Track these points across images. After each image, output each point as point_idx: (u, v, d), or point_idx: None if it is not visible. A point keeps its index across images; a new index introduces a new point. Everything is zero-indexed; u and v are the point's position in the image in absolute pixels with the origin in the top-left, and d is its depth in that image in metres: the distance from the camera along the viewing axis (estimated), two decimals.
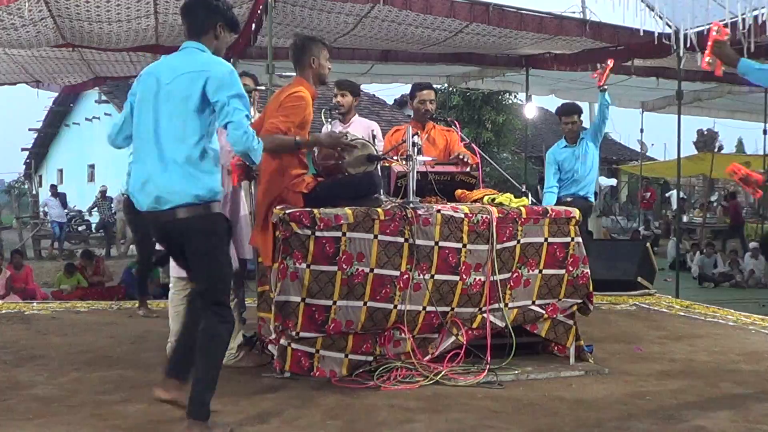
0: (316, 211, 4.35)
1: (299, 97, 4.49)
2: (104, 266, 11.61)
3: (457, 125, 5.63)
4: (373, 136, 5.51)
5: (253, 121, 5.00)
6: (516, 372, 4.45)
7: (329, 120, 5.81)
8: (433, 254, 4.49)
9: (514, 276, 4.66)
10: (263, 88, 5.88)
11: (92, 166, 24.55)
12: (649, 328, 6.17)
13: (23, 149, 28.69)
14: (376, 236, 4.41)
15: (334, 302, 4.34)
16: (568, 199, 6.72)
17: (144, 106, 3.58)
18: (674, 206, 20.81)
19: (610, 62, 6.78)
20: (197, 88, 3.45)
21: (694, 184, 28.89)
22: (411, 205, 4.52)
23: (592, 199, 7.14)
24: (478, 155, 5.35)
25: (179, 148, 3.43)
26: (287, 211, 4.34)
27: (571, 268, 4.75)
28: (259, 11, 8.20)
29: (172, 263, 4.89)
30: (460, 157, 5.18)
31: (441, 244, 4.50)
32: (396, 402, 3.96)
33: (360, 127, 5.73)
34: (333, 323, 4.35)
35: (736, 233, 17.77)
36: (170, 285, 4.95)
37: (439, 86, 13.59)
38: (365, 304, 4.39)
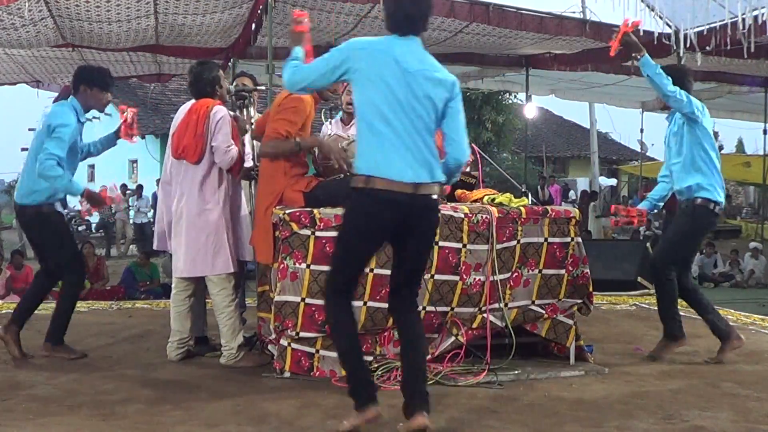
0: (316, 211, 4.35)
1: (298, 99, 4.49)
2: (105, 268, 11.57)
3: None
4: None
5: (254, 121, 5.02)
6: (516, 372, 4.45)
7: (329, 120, 5.81)
8: (432, 254, 4.49)
9: (514, 276, 4.66)
10: (263, 88, 5.88)
11: (92, 166, 24.56)
12: (649, 328, 6.16)
13: (23, 149, 28.65)
14: None
15: None
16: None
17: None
18: None
19: (624, 26, 4.83)
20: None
21: None
22: None
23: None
24: (478, 155, 5.36)
25: None
26: (287, 211, 4.34)
27: (571, 268, 4.75)
28: (259, 11, 8.21)
29: (174, 263, 4.91)
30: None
31: (441, 244, 4.50)
32: (396, 402, 3.95)
33: None
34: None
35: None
36: (172, 285, 4.95)
37: None
38: (365, 304, 4.39)
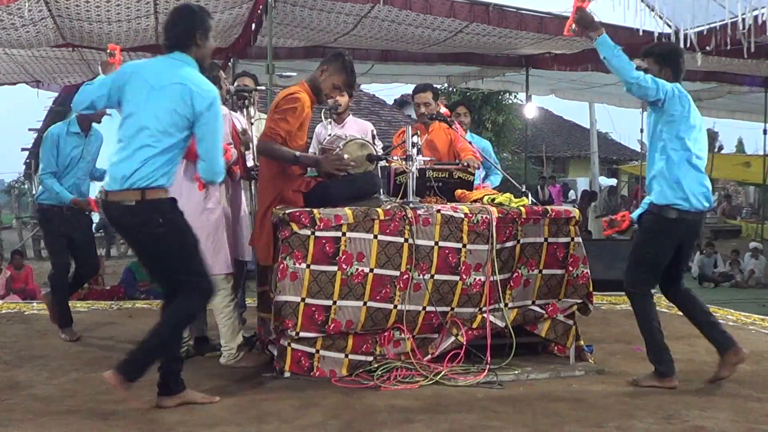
0: (315, 211, 4.35)
1: (296, 99, 4.49)
2: (102, 268, 11.55)
3: (458, 125, 5.64)
4: (373, 137, 5.50)
5: (254, 122, 5.02)
6: (516, 372, 4.45)
7: (328, 120, 5.81)
8: (432, 254, 4.49)
9: (514, 276, 4.66)
10: (263, 88, 5.88)
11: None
12: None
13: (23, 149, 28.62)
14: (375, 236, 4.41)
15: (334, 302, 4.34)
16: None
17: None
18: None
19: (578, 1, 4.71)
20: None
21: None
22: (411, 205, 4.53)
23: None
24: (478, 155, 5.37)
25: None
26: (287, 211, 4.34)
27: (571, 268, 4.75)
28: (259, 11, 8.20)
29: None
30: (464, 164, 5.21)
31: (441, 244, 4.50)
32: (396, 402, 3.96)
33: (355, 127, 5.73)
34: (333, 323, 4.35)
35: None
36: None
37: (439, 86, 13.57)
38: (365, 304, 4.40)
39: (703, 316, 4.53)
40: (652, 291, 4.58)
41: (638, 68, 4.31)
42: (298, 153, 4.49)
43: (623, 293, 7.90)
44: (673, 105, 4.25)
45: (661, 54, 4.45)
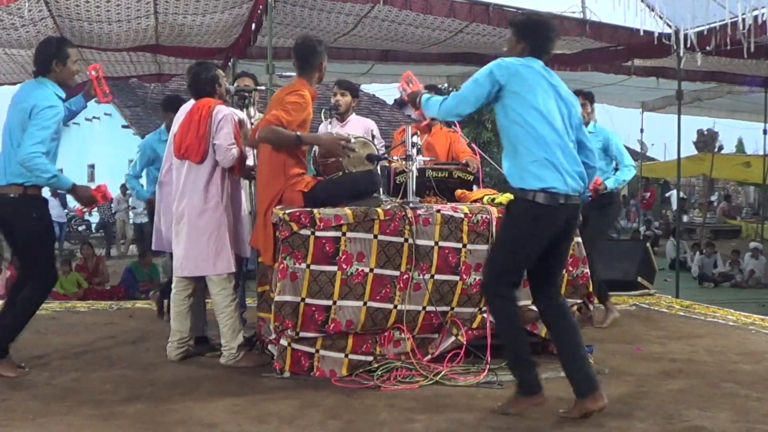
0: (315, 211, 4.35)
1: (301, 95, 4.52)
2: (104, 266, 11.59)
3: (458, 126, 5.64)
4: (373, 136, 5.51)
5: (254, 122, 5.02)
6: None
7: (329, 120, 5.82)
8: (433, 254, 4.49)
9: None
10: (263, 88, 5.88)
11: (92, 166, 24.55)
12: (649, 328, 6.16)
13: None
14: (375, 236, 4.41)
15: (334, 302, 4.34)
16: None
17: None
18: (674, 206, 20.82)
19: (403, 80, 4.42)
20: None
21: (694, 184, 28.93)
22: (411, 205, 4.53)
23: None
24: (478, 155, 5.37)
25: None
26: (287, 211, 4.34)
27: (570, 268, 4.75)
28: (259, 11, 8.19)
29: (174, 263, 4.91)
30: (464, 164, 5.21)
31: (441, 244, 4.50)
32: (396, 402, 3.96)
33: (357, 126, 5.74)
34: (333, 323, 4.35)
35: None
36: (172, 285, 4.95)
37: (438, 86, 13.56)
38: (365, 304, 4.40)
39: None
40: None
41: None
42: (299, 133, 4.48)
43: (623, 293, 7.99)
44: (513, 81, 3.70)
45: (520, 25, 3.89)
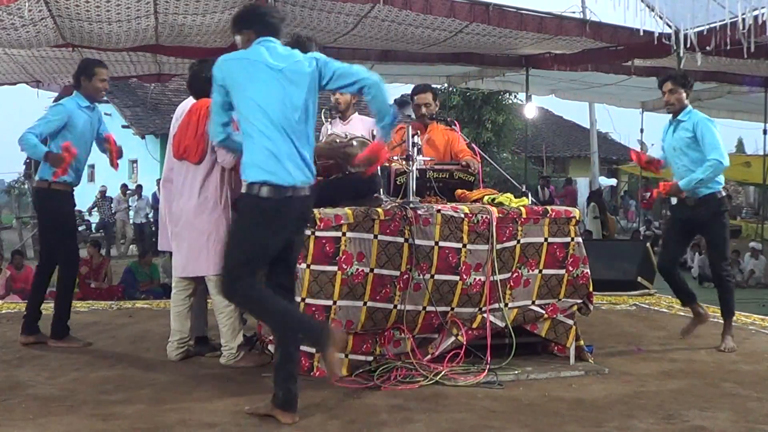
0: (316, 211, 4.35)
1: None
2: (109, 269, 11.50)
3: (457, 125, 5.64)
4: (374, 135, 5.50)
5: None
6: (516, 372, 4.45)
7: (329, 120, 5.81)
8: (433, 254, 4.49)
9: (514, 276, 4.66)
10: None
11: (92, 166, 24.49)
12: (649, 328, 6.17)
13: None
14: (376, 236, 4.41)
15: (334, 302, 4.34)
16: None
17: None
18: None
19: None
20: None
21: None
22: (411, 205, 4.53)
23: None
24: (478, 155, 5.37)
25: None
26: None
27: (571, 268, 4.75)
28: None
29: (174, 263, 4.91)
30: (463, 164, 5.21)
31: (441, 244, 4.50)
32: (396, 402, 3.96)
33: (360, 125, 5.72)
34: (333, 323, 4.34)
35: None
36: (172, 285, 4.95)
37: (439, 86, 13.58)
38: (365, 304, 4.40)
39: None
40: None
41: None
42: None
43: (623, 293, 7.99)
44: (237, 82, 3.62)
45: (236, 20, 3.82)
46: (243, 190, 3.62)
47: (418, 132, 4.88)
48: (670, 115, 5.52)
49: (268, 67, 3.59)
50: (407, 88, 22.73)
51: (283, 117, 3.57)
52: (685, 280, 5.83)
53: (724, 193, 5.45)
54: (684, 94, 5.43)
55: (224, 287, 3.73)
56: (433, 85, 6.10)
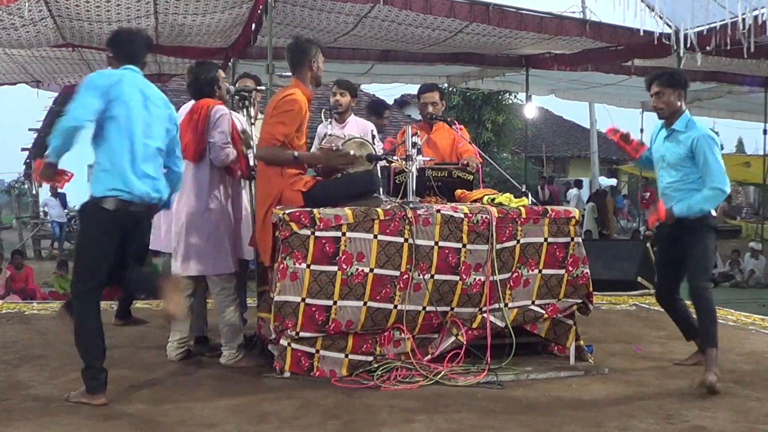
0: (315, 211, 4.35)
1: (293, 101, 4.48)
2: None
3: (457, 125, 5.64)
4: (373, 136, 5.52)
5: (254, 122, 5.02)
6: (516, 372, 4.45)
7: (328, 120, 5.82)
8: (432, 254, 4.49)
9: (514, 276, 4.66)
10: (263, 88, 5.87)
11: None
12: (649, 328, 6.17)
13: (23, 149, 28.60)
14: (375, 236, 4.41)
15: (334, 302, 4.34)
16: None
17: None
18: None
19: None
20: None
21: None
22: (411, 205, 4.53)
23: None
24: (478, 155, 5.38)
25: None
26: (287, 211, 4.34)
27: (570, 268, 4.75)
28: (259, 11, 8.20)
29: (174, 263, 4.91)
30: (463, 162, 5.21)
31: (441, 244, 4.50)
32: (396, 402, 3.96)
33: (356, 127, 5.74)
34: (333, 323, 4.35)
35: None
36: None
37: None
38: (365, 304, 4.40)
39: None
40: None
41: None
42: (296, 153, 4.49)
43: (623, 293, 7.99)
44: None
45: (109, 42, 4.17)
46: (89, 200, 3.97)
47: (418, 132, 4.88)
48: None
49: (140, 91, 3.98)
50: (407, 88, 22.62)
51: (141, 137, 3.94)
52: (688, 311, 4.91)
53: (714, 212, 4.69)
54: (675, 96, 4.63)
55: (72, 292, 4.07)
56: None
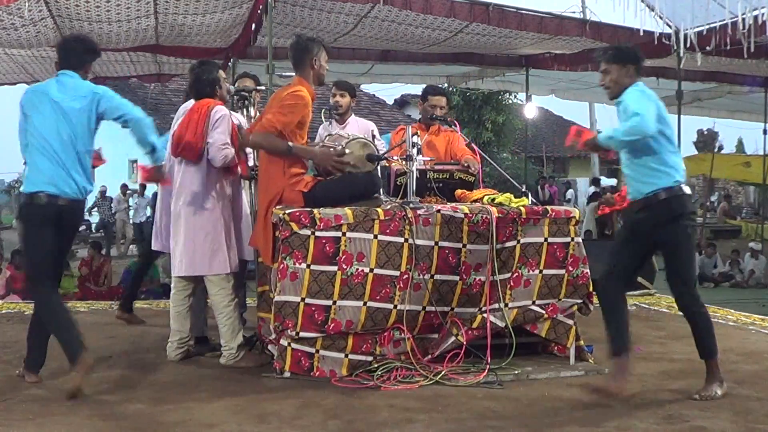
0: (315, 211, 4.35)
1: (299, 96, 4.50)
2: (109, 269, 11.48)
3: (457, 125, 5.64)
4: (373, 137, 5.52)
5: (254, 122, 5.02)
6: (516, 372, 4.45)
7: (328, 121, 5.82)
8: (432, 254, 4.49)
9: (514, 276, 4.66)
10: (263, 88, 5.88)
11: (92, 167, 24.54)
12: (649, 328, 6.16)
13: None
14: (376, 236, 4.41)
15: (334, 302, 4.34)
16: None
17: None
18: None
19: None
20: None
21: (694, 184, 28.88)
22: (411, 205, 4.53)
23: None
24: (478, 155, 5.37)
25: None
26: (287, 211, 4.34)
27: (571, 268, 4.75)
28: (259, 11, 8.20)
29: (173, 263, 4.91)
30: (464, 164, 5.21)
31: (441, 244, 4.50)
32: (396, 402, 3.96)
33: (356, 127, 5.73)
34: (333, 323, 4.35)
35: None
36: (172, 285, 4.95)
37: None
38: (365, 304, 4.40)
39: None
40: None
41: None
42: (290, 143, 4.48)
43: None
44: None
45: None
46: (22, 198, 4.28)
47: (418, 132, 4.88)
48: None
49: (52, 100, 4.24)
50: (407, 88, 22.60)
51: (61, 140, 4.21)
52: (627, 316, 4.38)
53: (680, 191, 4.06)
54: (623, 73, 4.23)
55: (29, 287, 4.61)
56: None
